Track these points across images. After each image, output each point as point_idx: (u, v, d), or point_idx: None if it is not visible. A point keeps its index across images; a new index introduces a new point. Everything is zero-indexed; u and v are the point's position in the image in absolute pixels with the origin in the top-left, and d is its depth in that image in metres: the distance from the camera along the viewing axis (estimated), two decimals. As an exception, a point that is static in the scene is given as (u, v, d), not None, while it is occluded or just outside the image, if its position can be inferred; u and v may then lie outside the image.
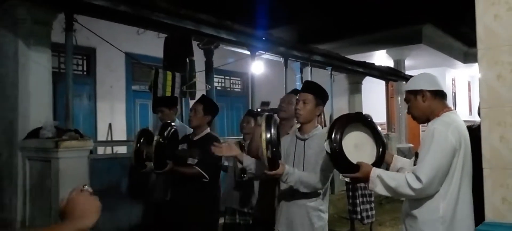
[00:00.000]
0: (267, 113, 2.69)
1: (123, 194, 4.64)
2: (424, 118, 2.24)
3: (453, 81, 14.44)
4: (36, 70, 4.18)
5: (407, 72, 10.60)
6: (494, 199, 2.33)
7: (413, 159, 2.31)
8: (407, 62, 11.20)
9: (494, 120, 2.28)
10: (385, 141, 2.35)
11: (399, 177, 2.05)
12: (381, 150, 2.27)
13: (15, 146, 4.21)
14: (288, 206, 2.66)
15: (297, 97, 2.78)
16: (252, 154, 3.00)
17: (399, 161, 2.45)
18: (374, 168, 2.13)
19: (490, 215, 2.35)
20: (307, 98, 2.67)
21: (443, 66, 12.17)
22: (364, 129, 2.31)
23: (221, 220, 4.22)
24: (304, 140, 2.69)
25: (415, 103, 2.22)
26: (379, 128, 2.36)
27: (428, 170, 1.99)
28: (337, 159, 2.16)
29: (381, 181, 2.07)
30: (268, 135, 2.39)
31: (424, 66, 11.76)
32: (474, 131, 3.25)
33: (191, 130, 3.54)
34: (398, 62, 10.98)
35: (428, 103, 2.19)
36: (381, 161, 2.27)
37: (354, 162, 2.14)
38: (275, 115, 2.76)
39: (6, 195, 4.30)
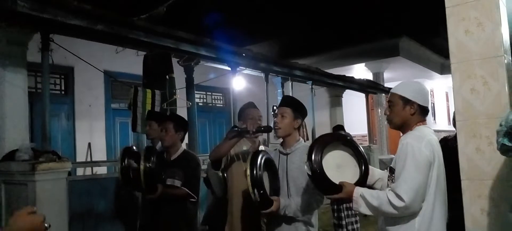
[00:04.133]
0: (253, 151, 2.72)
1: (104, 215, 4.54)
2: (400, 125, 2.21)
3: (431, 92, 14.76)
4: (11, 91, 4.08)
5: (386, 85, 10.79)
6: (473, 210, 2.37)
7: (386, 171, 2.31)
8: (386, 75, 11.41)
9: (469, 132, 2.32)
10: (366, 158, 2.35)
11: (381, 196, 2.03)
12: (363, 168, 2.25)
13: (-10, 169, 4.08)
14: (278, 222, 2.66)
15: (276, 111, 2.83)
16: None
17: (376, 171, 2.44)
18: (357, 187, 2.11)
19: (469, 225, 2.39)
20: (285, 112, 2.73)
21: (421, 78, 12.43)
22: (345, 148, 2.30)
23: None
24: (287, 154, 2.73)
25: (400, 110, 2.17)
26: (360, 146, 2.36)
27: (408, 187, 1.97)
28: (318, 180, 2.14)
29: (364, 200, 2.06)
30: (254, 175, 2.41)
31: (402, 78, 12.00)
32: (451, 141, 3.32)
33: None
34: (377, 75, 11.17)
35: (412, 115, 2.16)
36: (365, 179, 2.24)
37: (337, 182, 2.12)
38: (262, 147, 2.82)
39: (-19, 220, 4.15)
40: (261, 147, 2.98)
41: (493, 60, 2.24)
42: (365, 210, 2.07)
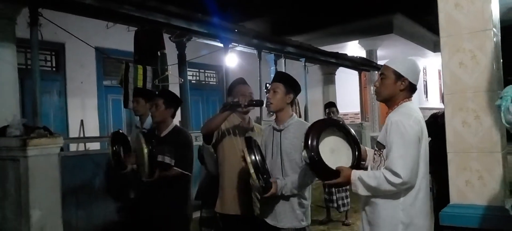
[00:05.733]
0: (246, 136, 2.74)
1: (97, 191, 4.57)
2: (386, 99, 2.23)
3: (424, 70, 14.81)
4: (1, 67, 4.05)
5: (379, 62, 10.80)
6: (458, 182, 2.42)
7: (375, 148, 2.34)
8: (379, 52, 11.41)
9: (456, 105, 2.36)
10: (358, 140, 2.36)
11: (378, 176, 2.06)
12: (357, 152, 2.28)
13: (-19, 145, 4.07)
14: (273, 199, 2.68)
15: (268, 88, 2.84)
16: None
17: (370, 152, 2.49)
18: (353, 171, 2.15)
19: (454, 197, 2.45)
20: (277, 87, 2.75)
21: (414, 55, 12.44)
22: (337, 133, 2.32)
23: (197, 214, 4.22)
24: (280, 130, 2.75)
25: (390, 83, 2.18)
26: (351, 130, 2.37)
27: (403, 163, 2.01)
28: (316, 167, 2.16)
29: (362, 182, 2.10)
30: (255, 162, 2.43)
31: (395, 55, 12.01)
32: (440, 118, 3.37)
33: None
34: (370, 52, 11.17)
35: (401, 91, 2.18)
36: (358, 162, 2.28)
37: (333, 167, 2.15)
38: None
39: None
40: (249, 133, 3.01)
41: (482, 34, 2.26)
42: (363, 191, 2.11)
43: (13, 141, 3.86)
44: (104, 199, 4.60)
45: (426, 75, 14.98)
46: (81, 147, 6.89)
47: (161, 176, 3.19)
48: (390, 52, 11.98)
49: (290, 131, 2.72)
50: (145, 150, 3.11)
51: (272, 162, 2.75)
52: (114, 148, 3.56)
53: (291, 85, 2.80)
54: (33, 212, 3.79)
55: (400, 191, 2.07)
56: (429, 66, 15.17)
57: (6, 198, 4.01)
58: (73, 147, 6.70)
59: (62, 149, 4.23)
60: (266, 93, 2.83)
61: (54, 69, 7.26)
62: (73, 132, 7.34)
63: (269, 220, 2.75)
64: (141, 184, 3.41)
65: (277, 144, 2.74)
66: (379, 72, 2.28)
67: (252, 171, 2.43)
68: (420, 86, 14.15)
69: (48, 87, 6.98)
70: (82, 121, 7.51)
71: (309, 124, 2.87)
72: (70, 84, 7.35)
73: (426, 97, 14.85)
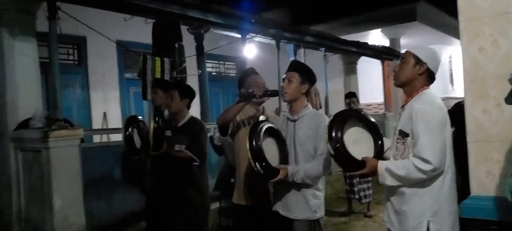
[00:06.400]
0: (255, 121, 2.72)
1: (117, 181, 4.66)
2: (404, 84, 2.23)
3: (450, 59, 14.37)
4: (22, 60, 4.13)
5: (403, 51, 10.52)
6: (478, 173, 2.33)
7: (396, 136, 2.29)
8: (403, 41, 11.13)
9: (476, 93, 2.27)
10: (379, 130, 2.34)
11: (406, 164, 2.05)
12: (380, 142, 2.27)
13: (6, 138, 4.20)
14: (286, 188, 2.68)
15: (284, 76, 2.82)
16: None
17: (387, 141, 2.46)
18: (380, 161, 2.14)
19: (475, 189, 2.36)
20: (293, 77, 2.72)
21: (439, 44, 12.07)
22: (359, 123, 2.30)
23: (216, 205, 4.24)
24: (294, 121, 2.72)
25: (409, 68, 2.19)
26: (372, 119, 2.36)
27: (432, 149, 2.00)
28: (342, 158, 2.14)
29: (389, 173, 2.08)
30: (254, 147, 2.41)
31: (419, 44, 11.67)
32: (463, 107, 3.26)
33: None
34: (394, 41, 10.91)
35: (419, 77, 2.18)
36: (381, 153, 2.27)
37: (358, 158, 2.14)
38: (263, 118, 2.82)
39: (1, 186, 4.31)
40: (262, 117, 2.99)
41: (503, 17, 2.15)
42: (391, 182, 2.10)
43: (35, 132, 3.97)
44: (124, 189, 4.69)
45: (452, 64, 14.53)
46: (105, 138, 7.01)
47: (170, 152, 3.26)
48: (414, 41, 11.65)
49: (304, 121, 2.69)
50: (152, 124, 3.20)
51: (285, 152, 2.73)
52: (127, 132, 3.63)
53: (307, 75, 2.75)
54: (56, 201, 3.89)
55: (430, 177, 2.05)
56: (454, 54, 14.68)
57: (31, 188, 4.14)
58: (97, 139, 6.83)
59: (83, 141, 4.31)
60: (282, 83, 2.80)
61: (76, 62, 7.39)
62: (97, 124, 7.49)
63: (281, 211, 2.73)
64: (154, 173, 3.47)
65: (291, 134, 2.72)
66: (400, 58, 2.28)
67: (249, 156, 2.41)
68: (445, 75, 13.80)
69: (70, 81, 7.13)
70: (104, 113, 7.65)
71: (323, 115, 2.85)
72: (92, 77, 7.48)
73: (452, 86, 14.41)
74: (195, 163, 3.32)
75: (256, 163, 2.41)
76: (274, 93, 2.96)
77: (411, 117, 2.09)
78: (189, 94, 3.51)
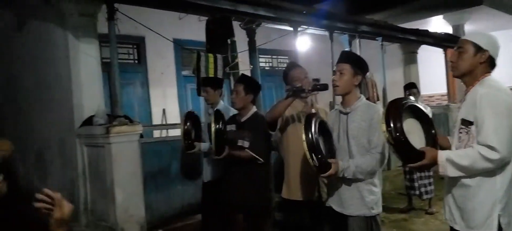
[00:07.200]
0: (308, 113, 2.65)
1: (174, 175, 4.82)
2: (464, 73, 2.12)
3: (523, 44, 13.24)
4: (86, 61, 4.40)
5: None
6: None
7: (458, 126, 2.15)
8: (467, 27, 10.40)
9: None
10: (433, 122, 2.21)
11: (470, 153, 1.93)
12: (433, 131, 2.15)
13: (73, 134, 4.50)
14: (339, 184, 2.62)
15: (334, 68, 2.74)
16: None
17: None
18: (440, 151, 2.02)
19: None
20: (344, 69, 2.61)
21: (509, 28, 11.16)
22: (411, 114, 2.19)
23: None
24: (347, 113, 2.63)
25: (470, 57, 2.08)
26: (426, 109, 2.24)
27: (499, 136, 1.88)
28: (402, 149, 2.02)
29: (451, 163, 1.97)
30: (310, 140, 2.35)
31: (486, 30, 10.86)
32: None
33: (235, 111, 3.57)
34: (457, 27, 10.23)
35: (480, 65, 2.07)
36: (436, 144, 2.14)
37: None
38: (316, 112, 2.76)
39: (69, 179, 4.63)
40: (313, 110, 2.92)
41: None
42: (453, 172, 1.98)
43: (98, 129, 4.21)
44: (181, 182, 4.84)
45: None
46: (164, 133, 7.28)
47: (231, 155, 3.24)
48: (479, 27, 10.86)
49: (357, 113, 2.59)
50: (213, 127, 3.20)
51: (338, 146, 2.65)
52: (186, 126, 3.72)
53: (359, 65, 2.64)
54: (118, 194, 4.10)
55: (497, 167, 1.92)
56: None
57: (96, 182, 4.40)
58: (156, 134, 7.10)
59: (142, 136, 4.51)
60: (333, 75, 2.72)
61: (136, 61, 7.74)
62: (157, 121, 7.79)
63: (335, 207, 2.66)
64: (223, 166, 3.49)
65: (343, 128, 2.63)
66: (456, 47, 2.13)
67: (305, 148, 2.35)
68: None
69: (132, 79, 7.48)
70: (164, 110, 7.94)
71: (377, 106, 2.72)
72: (151, 75, 7.78)
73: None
74: (258, 161, 3.24)
75: (312, 155, 2.35)
76: (324, 87, 2.88)
77: (475, 104, 1.97)
78: (254, 89, 3.43)
